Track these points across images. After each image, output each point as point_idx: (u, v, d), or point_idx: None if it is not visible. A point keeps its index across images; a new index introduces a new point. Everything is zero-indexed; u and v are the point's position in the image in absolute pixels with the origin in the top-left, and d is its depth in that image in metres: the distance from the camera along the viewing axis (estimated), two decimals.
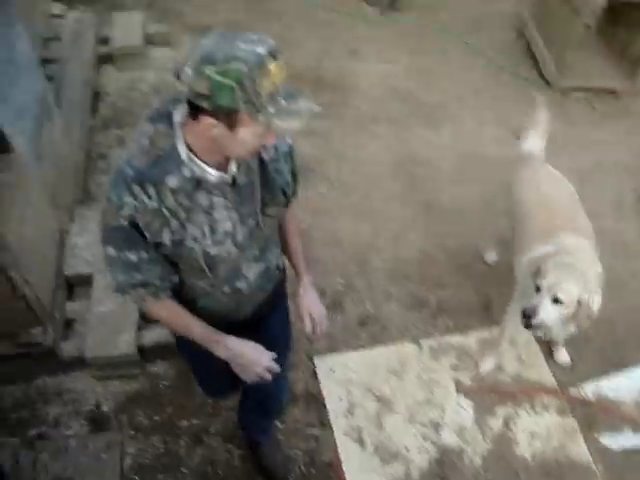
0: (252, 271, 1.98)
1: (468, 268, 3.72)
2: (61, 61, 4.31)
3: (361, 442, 2.33)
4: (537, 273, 2.42)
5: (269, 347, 1.99)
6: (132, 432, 3.03)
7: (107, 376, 3.13)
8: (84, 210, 3.53)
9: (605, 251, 3.77)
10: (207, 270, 1.85)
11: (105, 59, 4.81)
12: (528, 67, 5.25)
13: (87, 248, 3.30)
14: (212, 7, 5.60)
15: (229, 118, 1.52)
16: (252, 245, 1.91)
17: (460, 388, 2.48)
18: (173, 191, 1.67)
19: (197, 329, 1.92)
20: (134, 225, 1.68)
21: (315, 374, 2.63)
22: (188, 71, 1.49)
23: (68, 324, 3.23)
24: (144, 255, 1.74)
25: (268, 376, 1.96)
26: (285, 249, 2.22)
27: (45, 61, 4.12)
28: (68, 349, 3.12)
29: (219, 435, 3.03)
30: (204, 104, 1.50)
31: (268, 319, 2.25)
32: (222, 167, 1.72)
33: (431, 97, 4.89)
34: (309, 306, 2.15)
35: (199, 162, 1.67)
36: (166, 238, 1.73)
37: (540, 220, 2.82)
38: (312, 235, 3.83)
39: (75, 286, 3.33)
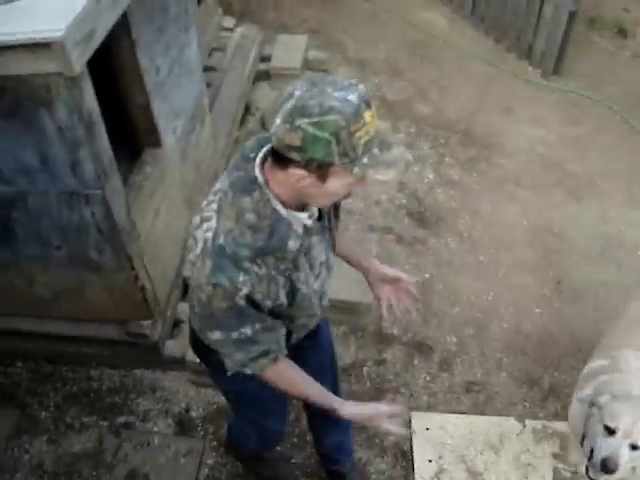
0: (329, 284, 1.95)
1: (589, 355, 3.48)
2: (221, 71, 4.46)
3: None
4: (597, 404, 2.18)
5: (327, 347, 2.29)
6: (215, 444, 3.02)
7: (203, 383, 3.13)
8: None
9: None
10: (314, 302, 1.83)
11: (262, 75, 4.95)
12: None
13: None
14: (374, 44, 5.67)
15: (321, 170, 1.46)
16: (332, 267, 1.90)
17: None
18: (292, 253, 1.62)
19: (318, 386, 1.86)
20: (250, 301, 1.61)
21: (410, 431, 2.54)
22: (279, 122, 1.43)
23: (177, 324, 3.27)
24: (258, 326, 1.68)
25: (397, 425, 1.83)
26: (349, 254, 2.17)
27: (207, 68, 4.28)
28: (172, 348, 3.16)
29: (298, 469, 2.95)
30: (295, 156, 1.44)
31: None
32: (305, 207, 1.66)
33: (580, 169, 4.68)
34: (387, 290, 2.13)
35: (295, 213, 1.61)
36: (282, 296, 1.68)
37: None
38: (432, 287, 3.73)
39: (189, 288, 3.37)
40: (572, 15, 5.24)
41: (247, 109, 4.66)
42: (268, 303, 1.66)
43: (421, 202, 4.25)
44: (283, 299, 1.69)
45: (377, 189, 4.29)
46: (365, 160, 1.44)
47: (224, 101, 4.24)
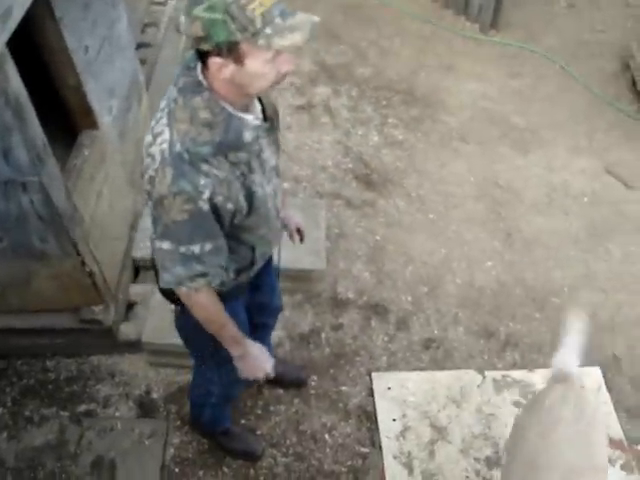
0: (279, 199, 2.01)
1: (543, 303, 3.55)
2: (156, 46, 4.35)
3: (410, 468, 2.24)
4: None
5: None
6: (178, 423, 3.00)
7: (161, 363, 3.11)
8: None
9: None
10: (269, 209, 1.89)
11: None
12: (630, 100, 5.01)
13: None
14: (308, 9, 5.55)
15: (233, 52, 1.51)
16: (280, 174, 1.97)
17: None
18: (245, 146, 1.68)
19: (231, 323, 1.95)
20: (213, 206, 1.65)
21: (371, 392, 2.55)
22: (182, 19, 1.51)
23: (130, 306, 3.22)
24: (208, 246, 1.71)
25: (262, 378, 2.13)
26: None
27: (141, 45, 4.18)
28: (126, 331, 3.11)
29: (265, 440, 2.95)
30: (206, 46, 1.51)
31: None
32: (248, 109, 1.72)
33: (523, 121, 4.72)
34: (296, 221, 2.39)
35: (241, 114, 1.67)
36: (242, 200, 1.73)
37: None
38: (384, 247, 3.74)
39: (141, 269, 3.32)
40: None
41: None
42: (230, 206, 1.69)
43: (367, 165, 4.24)
44: (243, 203, 1.73)
45: (322, 155, 4.27)
46: (268, 30, 1.48)
47: (161, 77, 4.14)
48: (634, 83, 5.10)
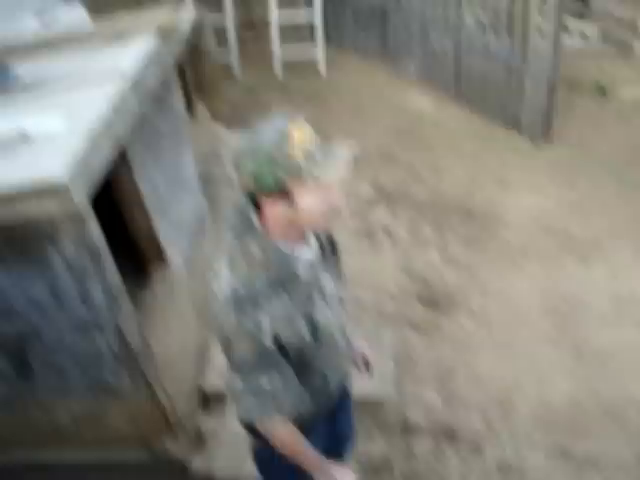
0: (346, 325, 2.07)
1: (621, 419, 3.41)
2: (217, 179, 4.56)
3: None
4: None
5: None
6: None
7: None
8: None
9: None
10: (338, 338, 1.96)
11: None
12: None
13: None
14: (365, 134, 5.81)
15: (283, 194, 1.64)
16: (343, 301, 2.02)
17: None
18: (301, 281, 1.77)
19: (312, 452, 1.98)
20: (277, 342, 1.72)
21: None
22: (233, 175, 1.66)
23: (200, 438, 3.23)
24: (276, 381, 1.77)
25: None
26: None
27: (205, 180, 4.38)
28: (198, 464, 3.11)
29: None
30: (258, 193, 1.66)
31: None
32: (305, 242, 1.84)
33: (583, 232, 4.71)
34: (361, 351, 2.35)
35: (296, 251, 1.78)
36: (305, 331, 1.79)
37: None
38: (452, 369, 3.69)
39: (212, 401, 3.35)
40: (552, 83, 5.39)
41: None
42: (293, 341, 1.76)
43: (430, 285, 4.27)
44: (306, 334, 1.79)
45: (384, 278, 4.32)
46: (311, 167, 1.61)
47: (223, 208, 4.31)
48: None
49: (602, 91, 6.63)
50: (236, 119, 5.90)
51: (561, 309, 4.06)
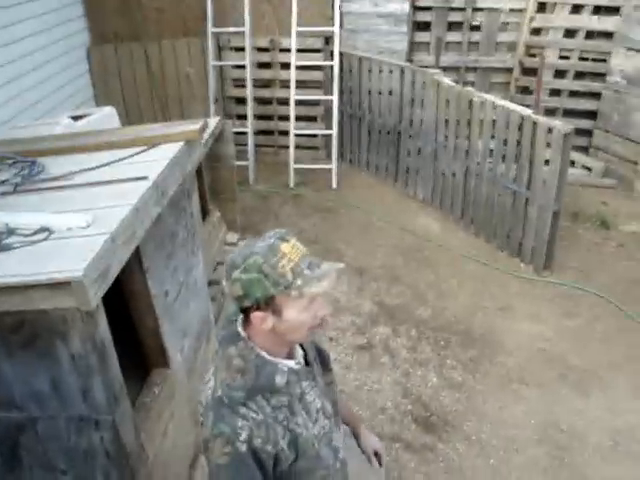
0: (339, 440, 2.07)
1: None
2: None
3: None
4: None
5: None
6: None
7: None
8: None
9: None
10: (319, 451, 1.91)
11: None
12: None
13: None
14: (371, 251, 5.95)
15: (270, 305, 1.71)
16: (333, 414, 2.03)
17: None
18: (280, 391, 1.80)
19: None
20: (252, 449, 1.73)
21: None
22: (224, 283, 1.73)
23: None
24: None
25: None
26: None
27: (211, 282, 4.46)
28: None
29: None
30: (246, 303, 1.71)
31: None
32: (291, 355, 1.89)
33: (581, 362, 4.72)
34: (373, 445, 2.34)
35: (281, 361, 1.83)
36: (282, 443, 1.79)
37: None
38: None
39: None
40: (556, 214, 5.55)
41: None
42: (269, 448, 1.75)
43: (426, 407, 4.25)
44: (284, 446, 1.79)
45: (382, 395, 4.30)
46: (298, 282, 1.68)
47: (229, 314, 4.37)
48: None
49: (604, 224, 6.80)
50: (248, 226, 6.06)
51: (556, 439, 4.02)
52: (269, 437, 1.76)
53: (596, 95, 7.95)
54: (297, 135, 7.31)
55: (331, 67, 7.20)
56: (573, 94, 8.05)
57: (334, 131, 7.21)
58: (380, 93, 7.20)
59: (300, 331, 1.79)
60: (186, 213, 3.33)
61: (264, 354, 1.80)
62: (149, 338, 2.96)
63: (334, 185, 7.21)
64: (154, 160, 2.87)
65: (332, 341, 4.71)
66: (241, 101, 7.57)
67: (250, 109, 7.27)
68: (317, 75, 7.53)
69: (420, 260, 5.87)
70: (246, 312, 1.76)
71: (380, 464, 2.39)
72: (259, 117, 7.74)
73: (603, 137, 8.08)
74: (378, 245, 6.06)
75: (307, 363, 1.96)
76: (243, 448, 1.72)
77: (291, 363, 1.86)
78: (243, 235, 5.55)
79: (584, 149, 8.29)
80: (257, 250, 1.69)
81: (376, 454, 2.37)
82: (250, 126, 7.27)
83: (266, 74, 7.62)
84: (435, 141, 6.62)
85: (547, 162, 5.47)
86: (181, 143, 3.02)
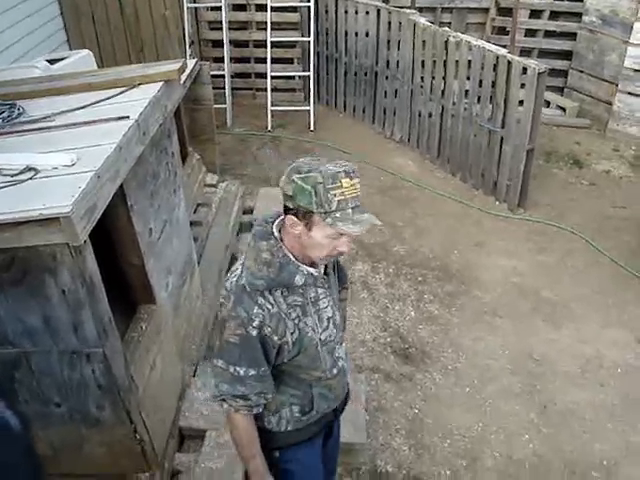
0: (342, 352, 2.30)
1: (585, 478, 3.53)
2: (207, 225, 4.71)
3: None
4: None
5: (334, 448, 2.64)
6: None
7: None
8: (207, 367, 3.69)
9: None
10: (320, 353, 2.13)
11: (246, 227, 5.17)
12: None
13: (205, 404, 3.41)
14: None
15: (306, 218, 1.86)
16: (340, 327, 2.24)
17: None
18: (293, 289, 2.00)
19: (260, 457, 2.22)
20: (261, 335, 1.96)
21: None
22: (282, 178, 1.87)
23: (174, 474, 3.28)
24: (252, 372, 2.01)
25: None
26: None
27: (193, 223, 4.53)
28: None
29: None
30: (290, 204, 1.86)
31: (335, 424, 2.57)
32: (312, 266, 2.04)
33: (553, 295, 4.90)
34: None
35: (303, 265, 1.99)
36: (289, 337, 2.01)
37: None
38: (422, 421, 3.80)
39: (187, 438, 3.42)
40: (530, 152, 5.65)
41: (233, 260, 4.84)
42: (275, 339, 1.99)
43: (405, 339, 4.40)
44: (289, 340, 2.01)
45: (362, 329, 4.45)
46: (337, 215, 1.82)
47: (211, 253, 4.45)
48: None
49: (577, 163, 6.92)
50: (227, 168, 6.10)
51: (529, 367, 4.20)
52: (278, 329, 1.97)
53: (571, 35, 7.99)
54: (274, 77, 7.29)
55: (307, 8, 7.14)
56: (549, 34, 8.07)
57: (311, 73, 7.20)
58: (357, 34, 7.18)
59: (318, 252, 1.94)
60: (167, 153, 3.37)
61: (290, 255, 1.97)
62: (135, 275, 3.03)
63: (312, 127, 7.24)
64: (135, 100, 2.90)
65: None
66: (217, 44, 7.51)
67: (226, 52, 7.21)
68: (293, 17, 7.46)
69: (397, 199, 5.96)
70: (285, 210, 1.92)
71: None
72: (236, 60, 7.69)
73: (578, 77, 8.14)
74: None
75: (325, 274, 2.13)
76: (253, 333, 1.94)
77: (311, 269, 2.02)
78: (222, 177, 5.58)
79: (559, 89, 8.35)
80: (322, 170, 1.81)
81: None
82: (227, 69, 7.22)
83: (241, 16, 7.54)
84: (412, 82, 6.65)
85: (522, 102, 5.53)
86: (161, 83, 3.05)
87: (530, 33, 8.07)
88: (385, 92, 7.10)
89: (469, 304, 4.71)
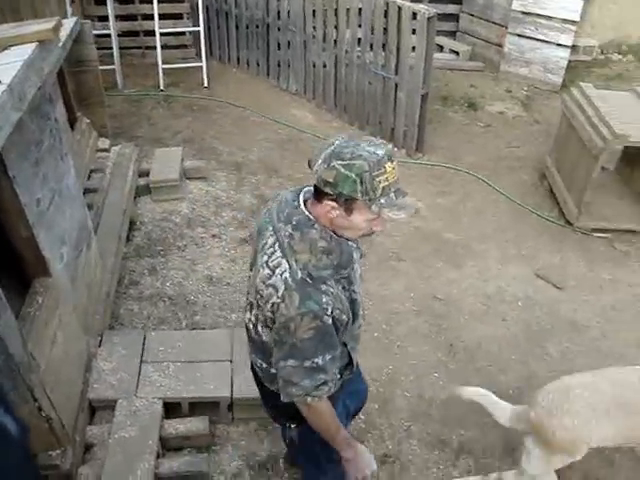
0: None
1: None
2: (102, 191, 4.56)
3: None
4: None
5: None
6: None
7: None
8: (112, 335, 3.61)
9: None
10: (360, 312, 2.17)
11: (143, 190, 5.04)
12: (549, 207, 5.45)
13: (113, 373, 3.34)
14: (248, 146, 5.95)
15: (347, 204, 1.86)
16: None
17: None
18: (353, 264, 2.03)
19: (344, 429, 2.24)
20: (334, 320, 1.95)
21: None
22: (320, 162, 1.83)
23: (87, 448, 3.22)
24: (329, 356, 2.00)
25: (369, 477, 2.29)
26: None
27: (88, 190, 4.37)
28: (85, 474, 3.10)
29: None
30: (329, 190, 1.84)
31: None
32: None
33: (454, 236, 5.04)
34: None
35: (349, 241, 2.02)
36: (348, 310, 2.04)
37: None
38: None
39: (98, 409, 3.35)
40: (424, 97, 5.72)
41: (132, 224, 4.73)
42: (344, 317, 2.00)
43: None
44: (349, 312, 2.04)
45: None
46: (382, 201, 1.84)
47: (108, 220, 4.31)
48: (552, 191, 5.53)
49: (472, 106, 7.08)
50: (121, 131, 5.89)
51: (434, 308, 4.32)
52: (343, 307, 1.99)
53: None
54: (163, 34, 7.03)
55: None
56: None
57: (201, 28, 6.99)
58: None
59: (354, 232, 1.97)
60: (50, 119, 3.21)
61: (335, 236, 1.96)
62: (25, 248, 2.90)
63: (205, 83, 7.07)
64: (7, 63, 2.72)
65: (215, 237, 4.75)
66: (101, 1, 7.15)
67: (110, 9, 6.87)
68: None
69: (296, 151, 5.93)
70: (320, 195, 1.89)
71: None
72: (122, 18, 7.36)
73: (468, 21, 8.28)
74: (254, 140, 6.07)
75: None
76: (329, 321, 1.93)
77: (352, 242, 2.05)
78: (116, 140, 5.38)
79: (452, 34, 8.48)
80: (366, 156, 1.79)
81: None
82: (112, 27, 6.91)
83: None
84: (304, 32, 6.58)
85: (415, 48, 5.56)
86: (35, 44, 2.88)
87: None
88: (278, 44, 6.99)
89: (372, 250, 4.76)
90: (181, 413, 3.33)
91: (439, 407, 3.68)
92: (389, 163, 1.82)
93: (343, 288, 2.02)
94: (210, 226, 4.86)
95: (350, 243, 2.02)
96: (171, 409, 3.32)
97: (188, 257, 4.54)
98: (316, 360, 1.97)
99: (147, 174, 5.06)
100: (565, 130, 5.44)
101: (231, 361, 3.46)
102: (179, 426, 3.24)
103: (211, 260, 4.54)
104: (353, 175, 1.78)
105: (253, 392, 3.29)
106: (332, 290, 1.95)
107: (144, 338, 3.57)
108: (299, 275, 1.91)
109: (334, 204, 1.86)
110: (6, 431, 0.92)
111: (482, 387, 3.74)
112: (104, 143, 5.15)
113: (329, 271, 1.94)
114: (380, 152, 1.81)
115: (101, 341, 3.55)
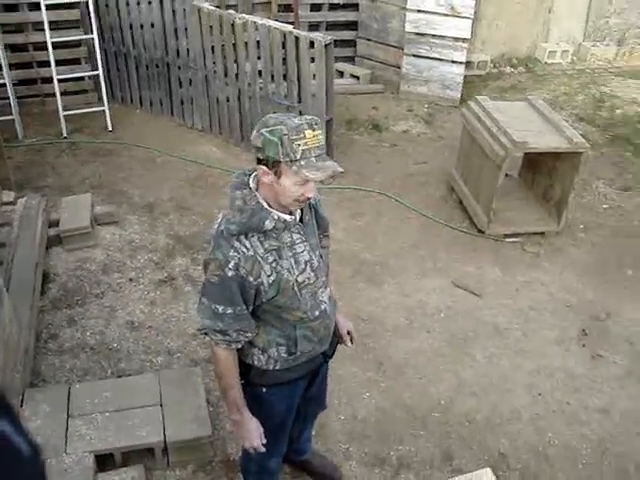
0: (325, 296, 2.47)
1: (426, 420, 3.74)
2: (11, 245, 4.42)
3: None
4: None
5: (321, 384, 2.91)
6: None
7: None
8: (34, 393, 3.49)
9: (557, 388, 3.95)
10: (299, 295, 2.31)
11: (54, 241, 4.91)
12: (461, 218, 5.64)
13: (38, 433, 3.20)
14: (158, 187, 5.90)
15: (275, 167, 2.07)
16: (321, 272, 2.41)
17: None
18: (268, 233, 2.19)
19: (237, 390, 2.43)
20: (237, 276, 2.16)
21: None
22: (253, 133, 2.10)
23: None
24: (230, 310, 2.22)
25: (251, 449, 2.54)
26: None
27: None
28: None
29: None
30: (260, 156, 2.08)
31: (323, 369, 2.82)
32: (290, 213, 2.25)
33: (372, 256, 5.14)
34: (345, 325, 2.83)
35: (275, 211, 2.19)
36: (265, 279, 2.21)
37: None
38: None
39: None
40: (329, 123, 5.84)
41: (45, 276, 4.59)
42: (251, 279, 2.18)
43: None
44: (265, 281, 2.21)
45: (190, 323, 4.30)
46: (302, 162, 2.03)
47: (19, 275, 4.18)
48: (461, 202, 5.72)
49: (377, 127, 7.25)
50: (25, 182, 5.74)
51: (359, 329, 4.31)
52: (253, 271, 2.18)
53: (355, 6, 8.33)
54: (61, 80, 6.90)
55: (85, 3, 6.79)
56: (333, 7, 8.34)
57: (100, 71, 6.90)
58: (142, 26, 6.99)
59: (288, 198, 2.13)
60: None
61: (263, 203, 2.17)
62: None
63: (110, 127, 6.96)
64: None
65: (132, 281, 4.66)
66: None
67: (2, 58, 6.69)
68: (73, 14, 7.08)
69: (207, 187, 5.92)
70: (257, 162, 2.11)
71: (352, 342, 2.84)
72: (17, 66, 7.19)
73: (366, 45, 8.50)
74: (163, 180, 6.01)
75: (301, 221, 2.31)
76: (229, 274, 2.15)
77: (285, 216, 2.21)
78: (21, 192, 5.23)
79: (351, 59, 8.68)
80: (287, 123, 2.03)
81: (349, 333, 2.83)
82: (7, 76, 6.72)
83: (14, 17, 7.04)
84: (205, 68, 6.61)
85: (315, 76, 5.68)
86: None
87: (316, 7, 8.29)
88: (180, 82, 6.98)
89: None
90: (115, 464, 3.25)
91: (374, 426, 3.71)
92: (309, 130, 2.03)
93: (273, 260, 2.21)
94: (126, 270, 4.77)
95: (273, 213, 2.17)
96: (104, 461, 3.23)
97: (107, 304, 4.44)
98: (217, 306, 2.22)
99: (57, 224, 4.93)
100: (467, 143, 5.65)
101: (161, 405, 3.41)
102: (114, 478, 3.14)
103: (131, 305, 4.45)
104: (275, 139, 2.02)
105: (187, 434, 3.29)
106: (245, 250, 2.16)
107: (68, 392, 3.47)
108: (220, 227, 2.19)
109: (265, 168, 2.09)
110: (19, 452, 0.88)
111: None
112: (9, 196, 5.01)
113: (236, 227, 2.14)
114: (301, 120, 2.05)
115: (23, 400, 3.42)
